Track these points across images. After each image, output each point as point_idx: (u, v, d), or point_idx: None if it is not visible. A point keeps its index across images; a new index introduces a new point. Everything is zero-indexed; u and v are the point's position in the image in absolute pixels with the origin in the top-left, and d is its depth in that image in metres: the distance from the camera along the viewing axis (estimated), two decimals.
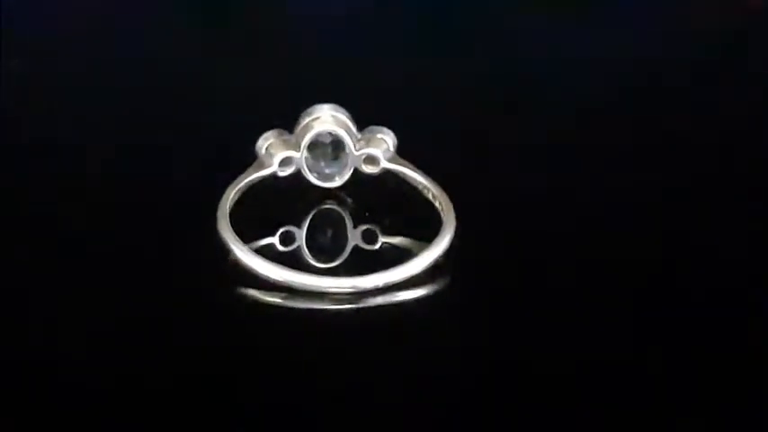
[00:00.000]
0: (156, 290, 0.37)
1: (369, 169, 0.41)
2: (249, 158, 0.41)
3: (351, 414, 0.34)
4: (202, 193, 0.40)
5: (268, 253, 0.38)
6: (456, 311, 0.37)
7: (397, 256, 0.38)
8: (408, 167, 0.41)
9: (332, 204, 0.41)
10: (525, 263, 0.39)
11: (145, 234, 0.40)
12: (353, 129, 0.41)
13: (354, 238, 0.40)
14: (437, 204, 0.40)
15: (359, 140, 0.41)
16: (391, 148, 0.41)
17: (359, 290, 0.37)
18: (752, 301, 0.37)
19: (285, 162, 0.40)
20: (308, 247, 0.40)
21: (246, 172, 0.40)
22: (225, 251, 0.38)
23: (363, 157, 0.41)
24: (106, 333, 0.36)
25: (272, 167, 0.40)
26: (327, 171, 0.41)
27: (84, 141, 0.45)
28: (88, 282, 0.38)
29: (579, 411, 0.34)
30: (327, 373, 0.35)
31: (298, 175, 0.41)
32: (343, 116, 0.41)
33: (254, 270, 0.38)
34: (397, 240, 0.40)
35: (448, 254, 0.38)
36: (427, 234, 0.39)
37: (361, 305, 0.37)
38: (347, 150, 0.40)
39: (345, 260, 0.39)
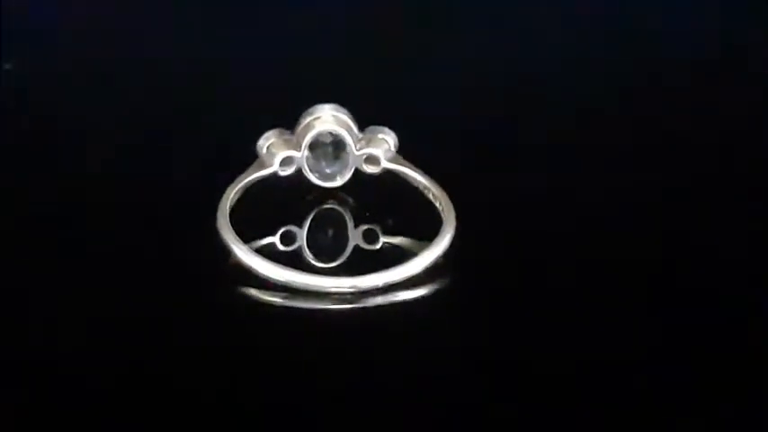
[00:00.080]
0: (156, 290, 0.37)
1: (370, 169, 0.41)
2: (250, 158, 0.41)
3: (351, 414, 0.34)
4: (202, 193, 0.40)
5: (268, 253, 0.38)
6: (456, 311, 0.37)
7: (397, 256, 0.38)
8: (409, 167, 0.41)
9: (333, 204, 0.41)
10: (525, 263, 0.39)
11: (145, 234, 0.40)
12: (354, 128, 0.41)
13: (355, 237, 0.40)
14: (437, 204, 0.40)
15: (360, 140, 0.41)
16: (392, 148, 0.41)
17: (359, 290, 0.37)
18: (752, 301, 0.37)
19: (286, 162, 0.40)
20: (308, 246, 0.40)
21: (247, 171, 0.40)
22: (225, 251, 0.38)
23: (364, 156, 0.41)
24: (106, 333, 0.36)
25: (273, 167, 0.40)
26: (328, 171, 0.41)
27: (84, 141, 0.45)
28: (88, 282, 0.38)
29: (579, 411, 0.34)
30: (327, 373, 0.35)
31: (299, 174, 0.41)
32: (345, 116, 0.40)
33: (254, 270, 0.38)
34: (397, 240, 0.40)
35: (448, 254, 0.38)
36: (427, 234, 0.39)
37: (361, 305, 0.37)
38: (348, 150, 0.40)
39: (346, 260, 0.39)
